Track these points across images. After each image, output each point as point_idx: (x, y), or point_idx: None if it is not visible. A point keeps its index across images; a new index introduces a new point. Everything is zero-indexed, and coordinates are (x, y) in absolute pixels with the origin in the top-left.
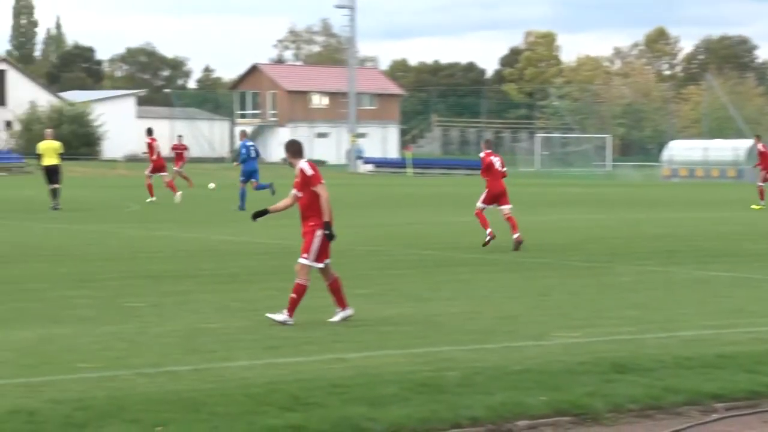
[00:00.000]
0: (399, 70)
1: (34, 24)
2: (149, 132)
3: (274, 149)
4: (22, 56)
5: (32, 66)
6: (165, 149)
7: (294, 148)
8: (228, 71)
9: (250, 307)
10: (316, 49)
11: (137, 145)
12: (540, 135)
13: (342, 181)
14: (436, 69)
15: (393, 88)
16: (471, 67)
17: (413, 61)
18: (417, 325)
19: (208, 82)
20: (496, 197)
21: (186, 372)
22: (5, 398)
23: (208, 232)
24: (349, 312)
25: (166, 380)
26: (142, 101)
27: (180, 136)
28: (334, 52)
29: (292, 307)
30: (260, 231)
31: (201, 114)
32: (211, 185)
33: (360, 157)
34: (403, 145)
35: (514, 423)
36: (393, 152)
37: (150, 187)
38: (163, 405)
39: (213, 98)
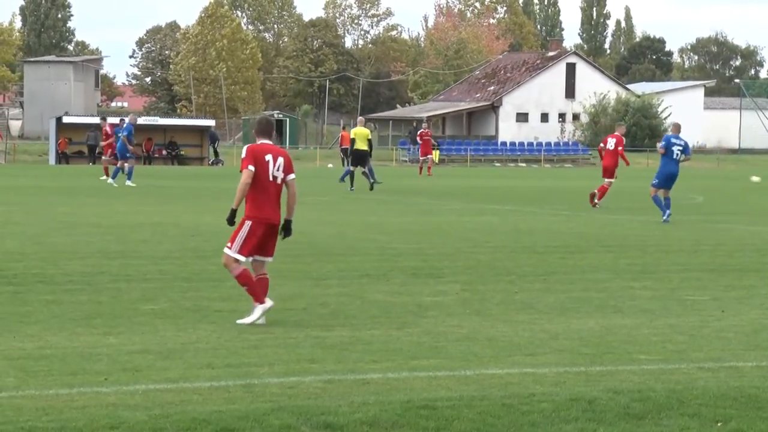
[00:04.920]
0: None
1: (606, 16)
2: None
3: None
4: (590, 49)
5: (601, 58)
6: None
7: (257, 127)
8: None
9: None
10: None
11: (703, 137)
12: None
13: None
14: None
15: None
16: None
17: None
18: None
19: None
20: None
21: (748, 368)
22: (565, 386)
23: None
24: (268, 305)
25: (727, 375)
26: (710, 92)
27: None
28: None
29: (256, 297)
30: None
31: None
32: (755, 178)
33: None
34: None
35: None
36: None
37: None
38: (724, 401)
39: None
